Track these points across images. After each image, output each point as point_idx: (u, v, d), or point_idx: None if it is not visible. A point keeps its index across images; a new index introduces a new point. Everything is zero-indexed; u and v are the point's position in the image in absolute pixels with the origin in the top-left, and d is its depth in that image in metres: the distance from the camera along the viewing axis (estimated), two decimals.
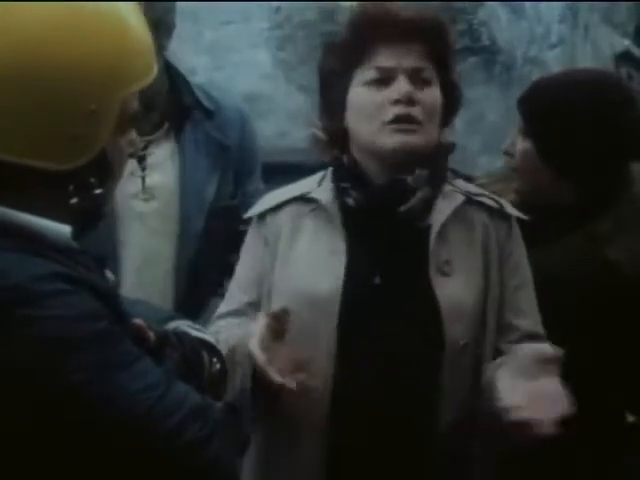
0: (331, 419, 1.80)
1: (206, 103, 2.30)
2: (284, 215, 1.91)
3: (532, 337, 1.87)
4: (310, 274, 1.84)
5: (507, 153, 2.16)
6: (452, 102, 1.92)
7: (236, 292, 1.94)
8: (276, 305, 1.82)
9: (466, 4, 3.49)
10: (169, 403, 1.29)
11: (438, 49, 1.87)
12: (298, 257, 1.87)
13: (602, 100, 2.03)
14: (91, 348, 1.25)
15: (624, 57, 4.09)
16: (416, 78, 1.83)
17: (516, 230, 1.94)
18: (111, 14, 1.34)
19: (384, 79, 1.83)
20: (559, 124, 2.03)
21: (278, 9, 3.60)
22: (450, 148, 1.94)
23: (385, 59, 1.84)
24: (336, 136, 1.91)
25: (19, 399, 1.24)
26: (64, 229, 1.32)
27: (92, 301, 1.28)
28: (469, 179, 2.05)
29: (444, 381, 1.80)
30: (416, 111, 1.81)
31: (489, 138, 4.00)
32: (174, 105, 2.24)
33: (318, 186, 1.92)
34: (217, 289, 2.24)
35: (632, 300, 1.94)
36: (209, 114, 2.29)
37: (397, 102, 1.81)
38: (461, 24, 3.50)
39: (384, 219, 1.86)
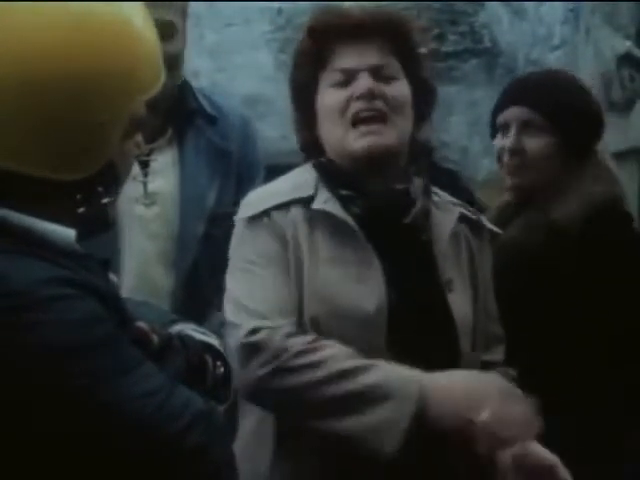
0: None
1: (209, 109, 2.30)
2: (295, 216, 1.81)
3: (500, 340, 1.93)
4: (351, 293, 1.76)
5: (516, 151, 2.20)
6: (424, 96, 1.90)
7: (279, 300, 1.77)
8: (311, 311, 1.75)
9: (468, 6, 3.49)
10: (171, 408, 1.28)
11: (400, 45, 1.86)
12: (329, 275, 1.77)
13: (591, 92, 2.32)
14: (93, 353, 1.25)
15: (626, 59, 4.09)
16: (379, 75, 1.83)
17: (487, 242, 1.95)
18: (121, 25, 1.32)
19: (347, 80, 1.83)
20: (579, 117, 2.21)
21: (280, 11, 3.60)
22: (429, 149, 1.94)
23: (347, 60, 1.83)
24: (311, 145, 1.89)
25: (21, 404, 1.23)
26: (69, 233, 1.32)
27: (95, 305, 1.27)
28: (455, 175, 2.06)
29: None
30: (379, 104, 1.80)
31: (491, 140, 3.99)
32: (177, 110, 2.24)
33: (315, 192, 1.84)
34: (215, 296, 2.22)
35: (577, 256, 2.11)
36: (212, 120, 2.29)
37: (359, 97, 1.80)
38: (463, 26, 3.50)
39: (391, 229, 1.82)
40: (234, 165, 2.29)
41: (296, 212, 1.81)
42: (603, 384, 2.09)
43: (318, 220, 1.80)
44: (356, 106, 1.80)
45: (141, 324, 1.39)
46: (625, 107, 4.15)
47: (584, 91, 2.30)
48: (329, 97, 1.84)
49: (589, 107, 2.27)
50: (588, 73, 3.77)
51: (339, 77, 1.83)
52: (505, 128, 2.23)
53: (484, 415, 1.61)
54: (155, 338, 1.41)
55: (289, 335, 1.71)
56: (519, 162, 2.21)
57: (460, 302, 1.83)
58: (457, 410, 1.64)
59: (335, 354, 1.70)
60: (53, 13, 1.28)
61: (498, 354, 1.93)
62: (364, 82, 1.80)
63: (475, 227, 1.93)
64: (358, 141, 1.80)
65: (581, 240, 2.12)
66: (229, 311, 1.79)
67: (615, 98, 4.01)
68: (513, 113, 2.22)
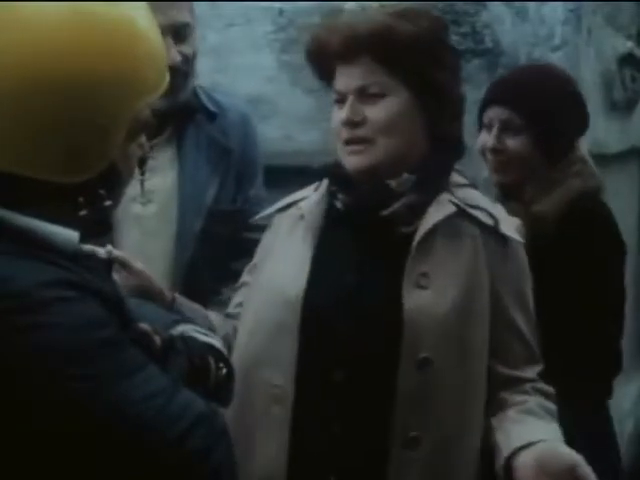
0: (293, 418, 1.79)
1: (209, 106, 2.29)
2: (285, 218, 1.97)
3: (528, 360, 1.87)
4: (282, 276, 1.87)
5: (497, 150, 2.28)
6: (435, 98, 1.86)
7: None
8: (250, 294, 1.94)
9: (469, 7, 3.49)
10: (173, 411, 1.28)
11: (390, 56, 1.83)
12: (277, 259, 1.92)
13: (575, 90, 2.39)
14: (95, 356, 1.25)
15: (627, 59, 4.09)
16: (364, 95, 1.84)
17: (515, 252, 1.89)
18: (125, 27, 1.32)
19: (342, 100, 1.87)
20: (557, 115, 2.28)
21: (281, 12, 3.59)
22: (449, 156, 1.92)
23: (339, 82, 1.88)
24: None
25: (22, 406, 1.23)
26: (72, 234, 1.32)
27: (97, 308, 1.27)
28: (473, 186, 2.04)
29: (400, 389, 1.76)
30: (362, 132, 1.84)
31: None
32: (177, 107, 2.23)
33: (315, 191, 1.97)
34: (214, 293, 2.23)
35: (556, 243, 2.22)
36: (212, 117, 2.29)
37: (344, 124, 1.85)
38: (464, 26, 3.50)
39: (365, 222, 1.87)
40: (234, 162, 2.29)
41: (290, 212, 1.97)
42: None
43: (298, 217, 1.94)
44: (343, 132, 1.86)
45: (144, 325, 1.39)
46: (626, 107, 4.14)
47: (567, 88, 2.36)
48: (333, 115, 1.90)
49: (569, 105, 2.32)
50: (589, 73, 3.76)
51: (336, 97, 1.89)
52: (489, 126, 2.32)
53: None
54: (158, 339, 1.41)
55: None
56: (501, 160, 2.30)
57: (429, 299, 1.78)
58: None
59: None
60: (55, 15, 1.27)
61: (528, 372, 1.87)
62: (345, 112, 1.85)
63: (493, 233, 1.88)
64: (346, 159, 1.87)
65: (558, 228, 2.21)
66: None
67: (616, 98, 4.00)
68: (494, 112, 2.31)
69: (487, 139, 2.32)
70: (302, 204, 1.96)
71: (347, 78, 1.86)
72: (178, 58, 2.15)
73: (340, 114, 1.86)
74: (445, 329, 1.78)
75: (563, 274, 2.23)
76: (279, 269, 1.90)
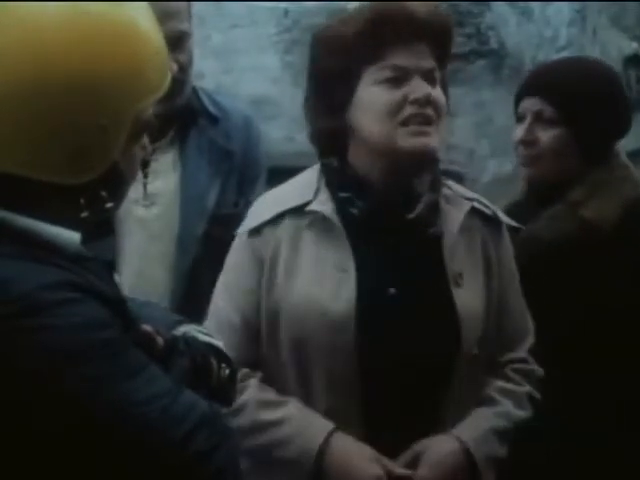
0: (366, 436, 1.79)
1: (211, 109, 2.29)
2: (283, 229, 1.84)
3: (525, 333, 1.94)
4: (320, 293, 1.78)
5: (528, 142, 2.18)
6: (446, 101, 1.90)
7: (236, 319, 1.86)
8: (288, 329, 1.79)
9: (474, 8, 3.49)
10: (176, 412, 1.28)
11: (443, 49, 1.85)
12: (304, 276, 1.80)
13: (617, 89, 2.26)
14: (97, 358, 1.24)
15: (632, 60, 4.09)
16: (429, 78, 1.80)
17: (507, 236, 1.94)
18: (126, 28, 1.31)
19: (399, 78, 1.78)
20: (592, 108, 2.17)
21: (286, 13, 3.59)
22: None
23: (402, 58, 1.79)
24: (337, 136, 1.85)
25: (24, 409, 1.23)
26: (74, 236, 1.31)
27: (99, 309, 1.27)
28: (459, 177, 2.05)
29: (454, 392, 1.80)
30: (430, 111, 1.78)
31: (498, 141, 3.98)
32: (180, 110, 2.23)
33: (314, 197, 1.85)
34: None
35: (607, 253, 2.12)
36: (214, 120, 2.28)
37: (414, 102, 1.77)
38: (469, 27, 3.50)
39: (392, 226, 1.82)
40: (236, 165, 2.28)
41: (288, 222, 1.84)
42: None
43: (310, 222, 1.83)
44: (409, 109, 1.77)
45: (146, 326, 1.39)
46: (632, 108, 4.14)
47: (606, 80, 2.24)
48: (379, 94, 1.79)
49: (609, 103, 2.20)
50: None
51: (390, 74, 1.79)
52: (522, 119, 2.21)
53: None
54: (160, 340, 1.40)
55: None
56: (532, 153, 2.18)
57: (469, 298, 1.82)
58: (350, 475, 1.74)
59: (251, 400, 1.78)
60: (57, 16, 1.27)
61: (521, 351, 1.94)
62: (422, 87, 1.78)
63: (490, 221, 1.92)
64: (408, 140, 1.77)
65: (616, 238, 2.12)
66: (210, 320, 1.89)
67: None
68: (527, 103, 2.19)
69: (519, 132, 2.20)
70: (312, 212, 1.83)
71: (413, 57, 1.79)
72: (175, 68, 2.14)
73: (405, 91, 1.77)
74: (485, 324, 1.84)
75: (623, 280, 2.14)
76: (315, 285, 1.80)
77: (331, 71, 1.83)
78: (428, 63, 1.81)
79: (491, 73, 3.40)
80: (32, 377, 1.22)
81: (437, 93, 1.81)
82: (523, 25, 3.53)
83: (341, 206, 1.83)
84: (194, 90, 2.28)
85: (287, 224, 1.83)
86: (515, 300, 1.94)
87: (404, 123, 1.77)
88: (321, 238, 1.82)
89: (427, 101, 1.77)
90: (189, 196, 2.20)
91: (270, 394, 1.81)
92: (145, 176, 2.17)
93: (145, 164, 2.17)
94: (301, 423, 1.77)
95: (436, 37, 1.82)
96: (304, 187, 1.88)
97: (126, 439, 1.25)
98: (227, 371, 1.48)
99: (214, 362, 1.46)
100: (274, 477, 1.80)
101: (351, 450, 1.75)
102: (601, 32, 3.81)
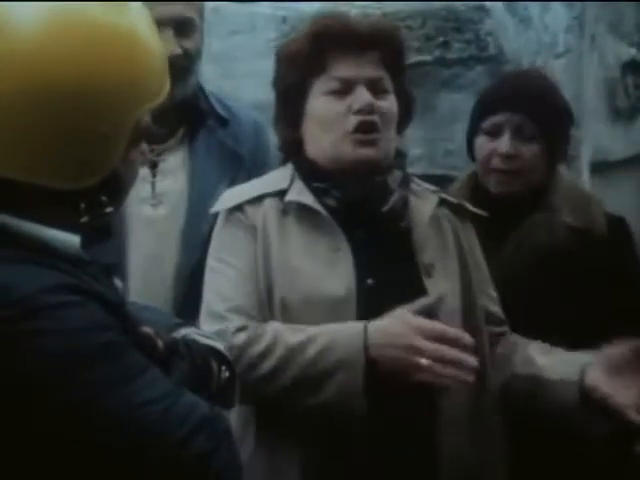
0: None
1: (221, 111, 2.30)
2: (268, 208, 1.89)
3: (502, 322, 2.00)
4: (319, 276, 1.81)
5: (511, 157, 2.23)
6: (407, 109, 1.95)
7: (239, 294, 1.86)
8: (282, 300, 1.81)
9: (473, 14, 3.49)
10: (176, 415, 1.28)
11: (393, 57, 1.90)
12: (299, 260, 1.84)
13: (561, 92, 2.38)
14: (97, 361, 1.25)
15: (630, 66, 4.10)
16: (375, 87, 1.86)
17: (470, 223, 2.00)
18: (126, 35, 1.31)
19: (344, 89, 1.85)
20: (565, 123, 2.30)
21: (285, 19, 3.60)
22: (405, 156, 1.98)
23: (345, 70, 1.85)
24: (292, 145, 1.93)
25: (25, 411, 1.23)
26: (73, 239, 1.32)
27: (99, 312, 1.27)
28: (445, 180, 2.11)
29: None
30: (375, 118, 1.84)
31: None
32: (189, 111, 2.25)
33: (290, 184, 1.91)
34: None
35: (599, 256, 2.22)
36: (223, 122, 2.30)
37: (359, 112, 1.83)
38: (468, 33, 3.50)
39: (367, 218, 1.87)
40: (245, 169, 2.29)
41: (269, 204, 1.88)
42: None
43: (290, 211, 1.88)
44: (354, 119, 1.84)
45: (146, 329, 1.39)
46: (630, 114, 4.15)
47: (561, 93, 2.35)
48: (325, 105, 1.86)
49: (569, 110, 2.32)
50: (593, 81, 3.77)
51: (336, 86, 1.86)
52: (495, 132, 2.24)
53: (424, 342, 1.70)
54: (160, 343, 1.41)
55: (238, 330, 1.79)
56: (513, 167, 2.24)
57: (441, 287, 1.85)
58: (395, 341, 1.71)
59: (276, 335, 1.77)
60: (56, 23, 1.28)
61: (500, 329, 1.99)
62: (364, 96, 1.84)
63: (458, 211, 1.98)
64: (353, 150, 1.84)
65: (610, 240, 2.23)
66: (201, 319, 1.88)
67: (620, 105, 4.01)
68: (504, 118, 2.23)
69: (496, 145, 2.24)
70: (293, 201, 1.88)
71: (357, 67, 1.86)
72: (178, 50, 2.16)
73: (349, 101, 1.83)
74: (459, 311, 1.87)
75: (620, 281, 2.26)
76: (314, 271, 1.82)
77: (287, 85, 1.92)
78: (374, 72, 1.86)
79: (490, 79, 3.39)
80: (32, 380, 1.22)
81: (384, 102, 1.86)
82: (522, 31, 3.53)
83: (317, 196, 1.88)
84: (203, 91, 2.29)
85: (268, 205, 1.88)
86: (489, 285, 2.00)
87: (349, 132, 1.83)
88: (309, 226, 1.86)
89: (370, 110, 1.83)
90: (197, 197, 2.22)
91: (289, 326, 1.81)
92: (154, 175, 2.18)
93: (154, 164, 2.19)
94: (334, 329, 1.77)
95: (382, 46, 1.87)
96: (278, 177, 1.94)
97: (127, 441, 1.26)
98: (227, 374, 1.49)
99: (214, 365, 1.48)
100: (323, 393, 1.76)
101: (390, 327, 1.75)
102: (599, 38, 3.82)
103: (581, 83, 3.61)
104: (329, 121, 1.86)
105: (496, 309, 2.00)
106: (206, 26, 2.34)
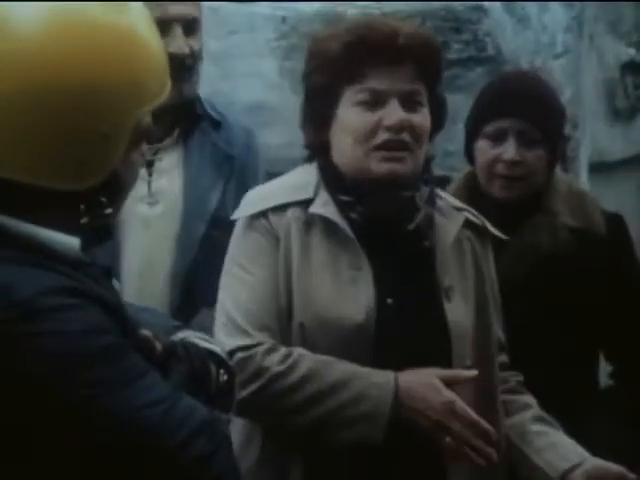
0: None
1: (213, 114, 2.31)
2: (291, 219, 1.83)
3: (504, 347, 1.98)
4: (339, 299, 1.78)
5: (517, 163, 2.20)
6: (439, 119, 1.91)
7: (263, 310, 1.81)
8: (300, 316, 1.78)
9: (471, 15, 3.49)
10: (175, 418, 1.28)
11: (431, 70, 1.85)
12: (319, 279, 1.79)
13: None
14: (96, 363, 1.25)
15: (629, 66, 4.10)
16: (408, 101, 1.81)
17: (490, 247, 1.96)
18: (126, 36, 1.31)
19: (377, 101, 1.80)
20: (564, 126, 2.31)
21: (284, 19, 3.59)
22: (431, 159, 1.94)
23: (378, 82, 1.80)
24: (318, 148, 1.88)
25: (24, 413, 1.23)
26: (73, 241, 1.32)
27: (98, 315, 1.27)
28: (444, 180, 2.09)
29: None
30: (406, 137, 1.79)
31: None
32: (186, 111, 2.26)
33: (315, 194, 1.85)
34: (211, 298, 2.22)
35: (599, 256, 2.24)
36: (216, 125, 2.31)
37: (388, 128, 1.78)
38: (466, 34, 3.49)
39: (391, 236, 1.83)
40: (236, 170, 2.30)
41: (292, 214, 1.82)
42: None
43: (314, 223, 1.82)
44: (383, 136, 1.79)
45: (145, 332, 1.39)
46: (629, 115, 4.15)
47: (557, 94, 2.37)
48: (355, 117, 1.81)
49: (565, 111, 2.33)
50: (591, 81, 3.77)
51: (367, 97, 1.80)
52: (498, 137, 2.21)
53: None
54: (159, 346, 1.40)
55: (267, 352, 1.76)
56: (517, 174, 2.21)
57: (459, 311, 1.83)
58: (426, 411, 1.71)
59: (311, 370, 1.74)
60: (56, 23, 1.27)
61: (503, 357, 1.97)
62: (396, 112, 1.78)
63: (479, 232, 1.93)
64: (379, 165, 1.79)
65: (609, 240, 2.25)
66: (217, 324, 1.83)
67: (619, 106, 4.02)
68: (509, 124, 2.20)
69: (501, 151, 2.21)
70: (316, 214, 1.83)
71: (390, 79, 1.80)
72: (186, 49, 2.17)
73: (380, 115, 1.79)
74: (474, 337, 1.84)
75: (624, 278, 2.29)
76: (334, 292, 1.79)
77: (317, 86, 1.86)
78: (409, 85, 1.81)
79: (489, 80, 3.40)
80: (32, 382, 1.22)
81: (417, 118, 1.81)
82: (520, 32, 3.53)
83: (342, 209, 1.83)
84: (197, 94, 2.30)
85: (292, 216, 1.82)
86: (495, 313, 1.95)
87: (377, 148, 1.78)
88: (332, 242, 1.81)
89: (401, 127, 1.78)
90: (192, 196, 2.23)
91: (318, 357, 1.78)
92: (150, 174, 2.19)
93: (150, 163, 2.20)
94: (367, 375, 1.75)
95: (420, 58, 1.82)
96: (303, 184, 1.87)
97: (125, 444, 1.25)
98: (225, 377, 1.48)
99: (213, 368, 1.47)
100: (341, 436, 1.75)
101: (419, 382, 1.74)
102: (598, 38, 3.82)
103: (580, 83, 3.61)
104: (358, 133, 1.80)
105: (501, 335, 1.98)
106: (204, 26, 2.35)
